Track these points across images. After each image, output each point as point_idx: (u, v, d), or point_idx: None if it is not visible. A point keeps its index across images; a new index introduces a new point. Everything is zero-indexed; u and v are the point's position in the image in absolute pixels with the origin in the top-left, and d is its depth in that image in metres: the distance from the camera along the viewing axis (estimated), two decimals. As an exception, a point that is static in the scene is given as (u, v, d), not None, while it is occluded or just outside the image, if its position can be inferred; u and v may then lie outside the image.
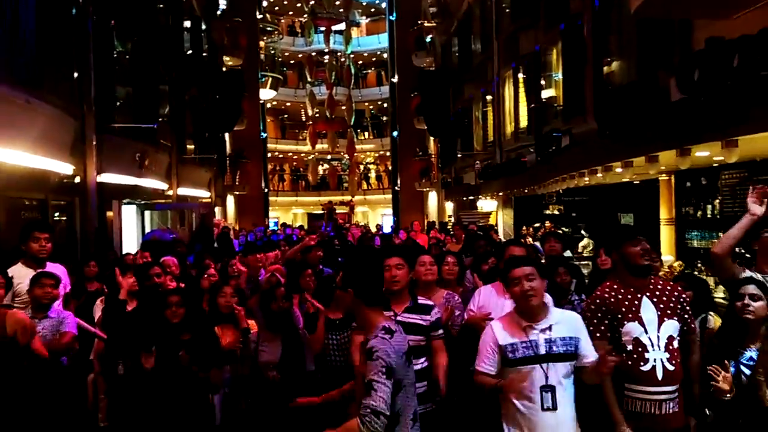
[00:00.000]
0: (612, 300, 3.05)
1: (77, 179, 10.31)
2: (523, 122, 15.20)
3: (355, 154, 32.04)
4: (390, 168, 31.38)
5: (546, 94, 13.36)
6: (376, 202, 33.59)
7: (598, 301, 3.11)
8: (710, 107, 4.72)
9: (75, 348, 4.55)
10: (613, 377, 2.87)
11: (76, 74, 10.30)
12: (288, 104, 33.73)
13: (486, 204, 17.60)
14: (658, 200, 9.68)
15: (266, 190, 29.16)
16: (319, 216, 29.14)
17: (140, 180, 12.92)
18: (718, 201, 8.09)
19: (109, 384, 5.11)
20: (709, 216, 8.29)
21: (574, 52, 10.70)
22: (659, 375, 2.91)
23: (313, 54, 31.94)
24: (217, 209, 21.99)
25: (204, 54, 20.98)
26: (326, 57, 31.88)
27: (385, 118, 33.40)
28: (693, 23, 6.69)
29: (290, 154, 34.42)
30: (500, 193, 16.51)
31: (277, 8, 32.59)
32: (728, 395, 2.74)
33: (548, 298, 3.11)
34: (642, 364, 2.94)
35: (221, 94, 21.68)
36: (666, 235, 9.13)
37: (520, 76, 15.14)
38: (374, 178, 34.18)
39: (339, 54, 31.71)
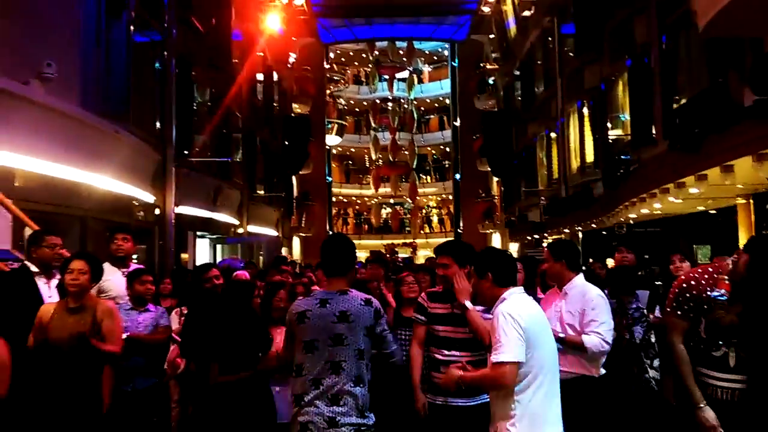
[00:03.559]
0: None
1: (157, 210, 10.95)
2: (590, 157, 15.00)
3: (418, 197, 32.36)
4: (452, 211, 31.42)
5: (613, 133, 13.22)
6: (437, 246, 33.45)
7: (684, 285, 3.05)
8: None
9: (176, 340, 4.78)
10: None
11: (157, 110, 11.13)
12: (352, 149, 34.66)
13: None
14: (736, 228, 9.22)
15: (330, 233, 29.75)
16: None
17: (213, 214, 13.55)
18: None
19: (183, 390, 5.30)
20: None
21: (642, 82, 10.59)
22: (731, 362, 2.79)
23: (378, 101, 32.93)
24: (283, 249, 22.59)
25: (275, 102, 22.08)
26: (390, 104, 32.81)
27: (447, 163, 33.69)
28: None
29: (354, 198, 35.12)
30: (566, 230, 16.18)
31: (343, 59, 34.00)
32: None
33: None
34: (714, 350, 2.84)
35: (289, 138, 22.63)
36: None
37: (585, 111, 15.06)
38: (436, 221, 34.26)
39: (402, 100, 32.56)
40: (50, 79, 7.01)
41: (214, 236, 14.53)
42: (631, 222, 12.23)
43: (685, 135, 6.51)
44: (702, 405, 2.77)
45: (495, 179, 26.37)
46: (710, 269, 3.04)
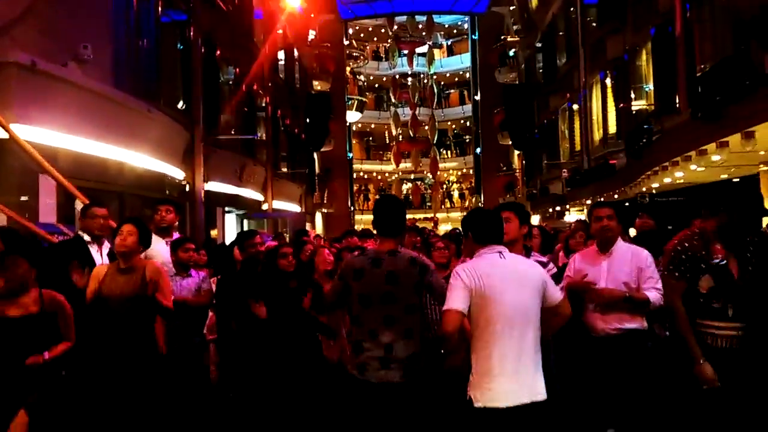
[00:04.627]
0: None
1: (187, 187, 11.30)
2: (612, 128, 14.95)
3: (438, 172, 32.38)
4: (473, 185, 31.43)
5: (636, 103, 13.16)
6: (460, 220, 33.59)
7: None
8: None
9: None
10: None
11: (186, 91, 11.40)
12: (373, 126, 34.72)
13: (573, 217, 17.30)
14: (760, 196, 9.24)
15: (352, 209, 30.01)
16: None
17: (240, 190, 13.88)
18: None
19: (221, 351, 5.64)
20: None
21: (665, 52, 10.54)
22: (729, 313, 2.96)
23: (397, 76, 32.85)
24: (306, 225, 22.96)
25: (296, 79, 22.23)
26: (409, 79, 32.70)
27: (467, 137, 33.60)
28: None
29: (375, 174, 35.29)
30: (588, 201, 16.20)
31: (362, 35, 33.89)
32: None
33: None
34: (714, 302, 3.01)
35: (311, 115, 22.82)
36: (770, 227, 8.70)
37: (608, 81, 14.96)
38: (457, 196, 34.32)
39: (422, 75, 32.43)
40: (86, 61, 7.29)
41: (241, 212, 14.89)
42: (654, 192, 12.25)
43: (707, 103, 6.57)
44: (702, 361, 2.96)
45: (516, 153, 26.29)
46: (696, 230, 3.15)
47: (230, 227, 14.01)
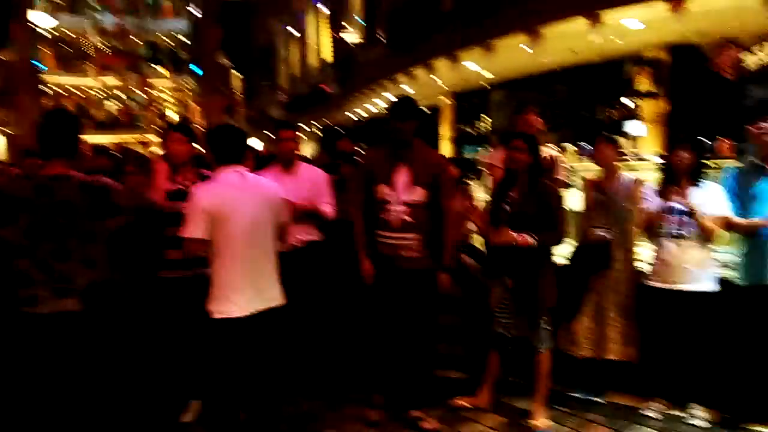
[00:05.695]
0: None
1: None
2: (327, 57, 15.55)
3: (150, 90, 29.80)
4: (190, 106, 29.85)
5: (347, 34, 13.78)
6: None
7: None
8: (472, 14, 5.43)
9: None
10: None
11: None
12: (69, 32, 29.87)
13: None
14: (440, 121, 10.77)
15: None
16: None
17: None
18: (488, 118, 9.30)
19: None
20: (480, 132, 9.51)
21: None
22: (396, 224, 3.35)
23: (98, -23, 28.54)
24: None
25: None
26: (113, -19, 28.73)
27: (184, 54, 31.37)
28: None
29: (71, 88, 30.76)
30: (306, 126, 16.83)
31: None
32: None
33: None
34: (384, 215, 3.37)
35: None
36: (447, 150, 10.25)
37: (324, 9, 15.35)
38: (173, 116, 32.18)
39: (128, -22, 28.76)
40: None
41: None
42: (361, 119, 13.28)
43: (399, 37, 7.24)
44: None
45: (236, 74, 25.66)
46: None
47: None
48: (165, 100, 32.60)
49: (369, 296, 3.42)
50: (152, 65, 30.10)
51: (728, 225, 3.15)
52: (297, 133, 3.95)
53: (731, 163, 3.33)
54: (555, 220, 3.25)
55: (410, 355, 3.47)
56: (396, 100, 3.45)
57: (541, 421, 3.34)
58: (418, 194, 3.31)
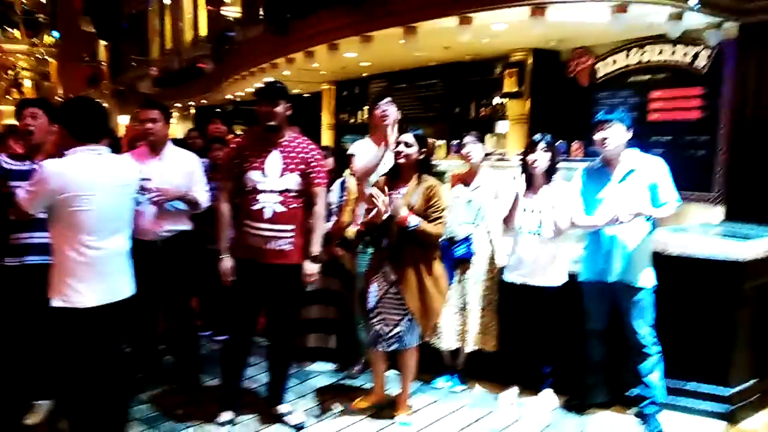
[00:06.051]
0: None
1: None
2: (204, 31, 14.82)
3: (2, 55, 26.70)
4: (51, 75, 27.18)
5: (226, 10, 13.25)
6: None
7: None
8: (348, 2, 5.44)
9: None
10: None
11: None
12: None
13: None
14: (321, 109, 10.70)
15: None
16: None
17: None
18: (367, 108, 9.37)
19: None
20: (360, 121, 9.59)
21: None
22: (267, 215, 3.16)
23: None
24: None
25: None
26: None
27: (41, 17, 28.40)
28: None
29: None
30: (178, 104, 15.98)
31: None
32: (383, 217, 3.21)
33: None
34: (254, 204, 3.18)
35: None
36: (327, 138, 10.22)
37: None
38: (29, 85, 29.09)
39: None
40: None
41: None
42: (238, 100, 12.83)
43: (277, 16, 7.05)
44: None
45: (102, 42, 23.74)
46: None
47: None
48: (22, 69, 29.39)
49: (231, 293, 3.26)
50: (5, 27, 27.01)
51: (573, 223, 3.43)
52: (165, 112, 3.60)
53: (584, 165, 3.59)
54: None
55: (275, 351, 3.41)
56: (266, 82, 3.34)
57: (403, 414, 3.40)
58: (290, 182, 3.18)
